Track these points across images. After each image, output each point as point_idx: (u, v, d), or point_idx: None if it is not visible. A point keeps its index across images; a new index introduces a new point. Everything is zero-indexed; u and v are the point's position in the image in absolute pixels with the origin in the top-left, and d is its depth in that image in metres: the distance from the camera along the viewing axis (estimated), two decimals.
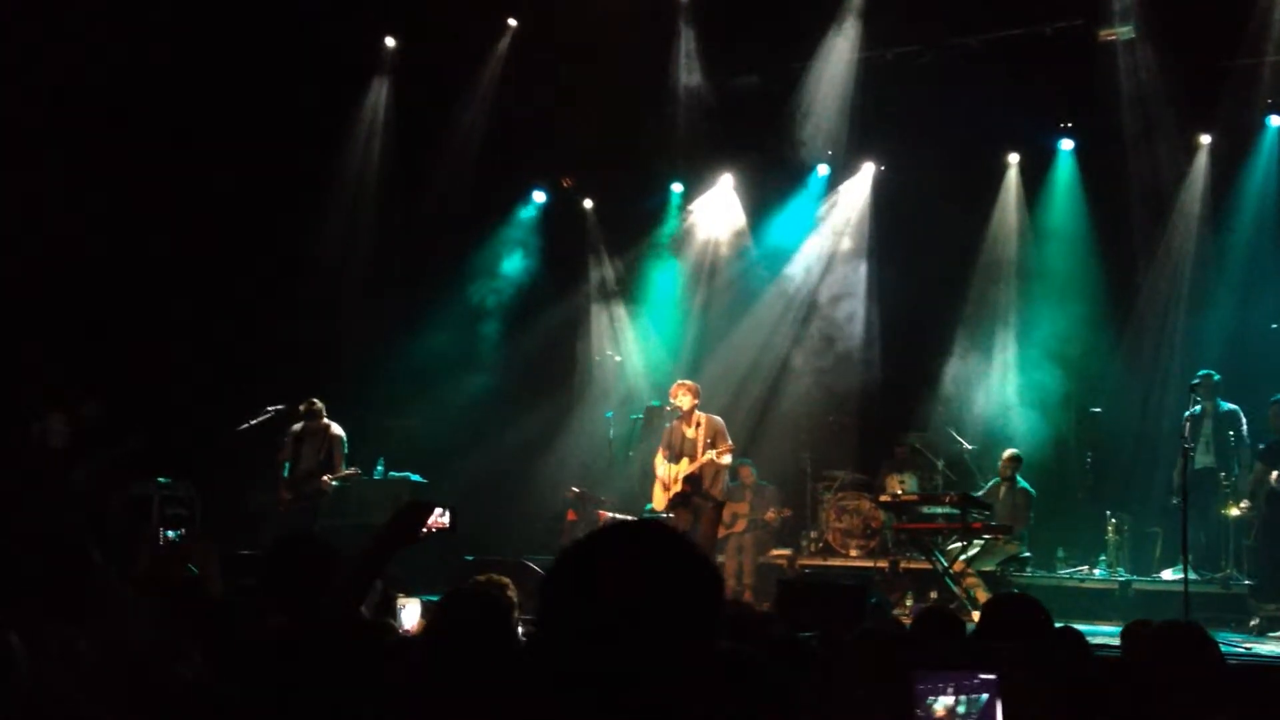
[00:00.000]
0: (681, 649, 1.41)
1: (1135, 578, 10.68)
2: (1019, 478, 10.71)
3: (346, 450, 10.39)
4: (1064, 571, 11.21)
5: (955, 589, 9.40)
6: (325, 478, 10.16)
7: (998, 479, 10.85)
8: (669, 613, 1.42)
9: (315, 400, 10.34)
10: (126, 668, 3.42)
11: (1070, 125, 12.48)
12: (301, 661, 2.26)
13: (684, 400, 9.70)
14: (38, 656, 3.21)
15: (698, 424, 9.68)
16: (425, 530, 3.04)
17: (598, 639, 1.39)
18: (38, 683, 3.08)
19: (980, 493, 10.61)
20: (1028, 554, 10.38)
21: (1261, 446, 9.98)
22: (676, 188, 14.28)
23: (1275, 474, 9.56)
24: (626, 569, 1.44)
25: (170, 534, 9.94)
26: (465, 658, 2.87)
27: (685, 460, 9.66)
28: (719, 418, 9.85)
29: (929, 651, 2.77)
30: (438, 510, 3.07)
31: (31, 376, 10.68)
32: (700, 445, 9.59)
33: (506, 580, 4.50)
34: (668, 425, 10.14)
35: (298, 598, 3.26)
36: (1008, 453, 10.94)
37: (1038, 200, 12.77)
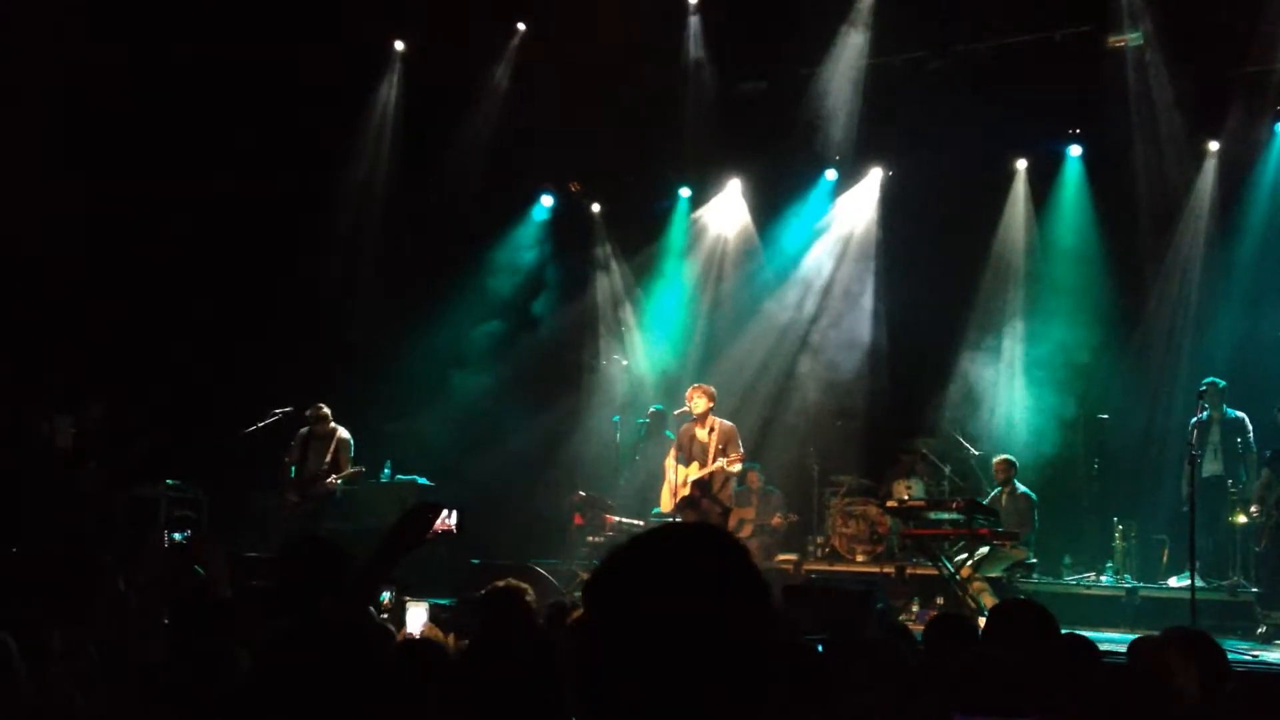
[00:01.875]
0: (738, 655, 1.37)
1: (1142, 585, 10.64)
2: (1018, 483, 10.69)
3: (353, 453, 10.42)
4: (1071, 578, 11.19)
5: (962, 595, 9.39)
6: (330, 478, 10.18)
7: (998, 487, 10.83)
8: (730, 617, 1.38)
9: (322, 405, 10.36)
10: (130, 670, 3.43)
11: (1078, 131, 12.45)
12: (310, 663, 2.26)
13: (699, 404, 9.65)
14: (43, 658, 3.22)
15: (711, 428, 9.64)
16: (433, 532, 3.04)
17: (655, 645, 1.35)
18: (41, 684, 3.08)
19: (985, 500, 10.58)
20: (1034, 560, 10.36)
21: (1268, 453, 9.97)
22: (684, 192, 14.29)
23: None
24: (685, 573, 1.40)
25: (177, 536, 9.95)
26: (515, 655, 2.86)
27: (695, 464, 9.63)
28: (731, 424, 9.82)
29: (977, 691, 2.72)
30: (445, 512, 3.07)
31: (38, 378, 10.70)
32: (711, 449, 9.56)
33: (526, 585, 4.51)
34: (674, 431, 10.11)
35: (306, 599, 3.27)
36: (999, 459, 10.91)
37: (1045, 206, 12.76)
